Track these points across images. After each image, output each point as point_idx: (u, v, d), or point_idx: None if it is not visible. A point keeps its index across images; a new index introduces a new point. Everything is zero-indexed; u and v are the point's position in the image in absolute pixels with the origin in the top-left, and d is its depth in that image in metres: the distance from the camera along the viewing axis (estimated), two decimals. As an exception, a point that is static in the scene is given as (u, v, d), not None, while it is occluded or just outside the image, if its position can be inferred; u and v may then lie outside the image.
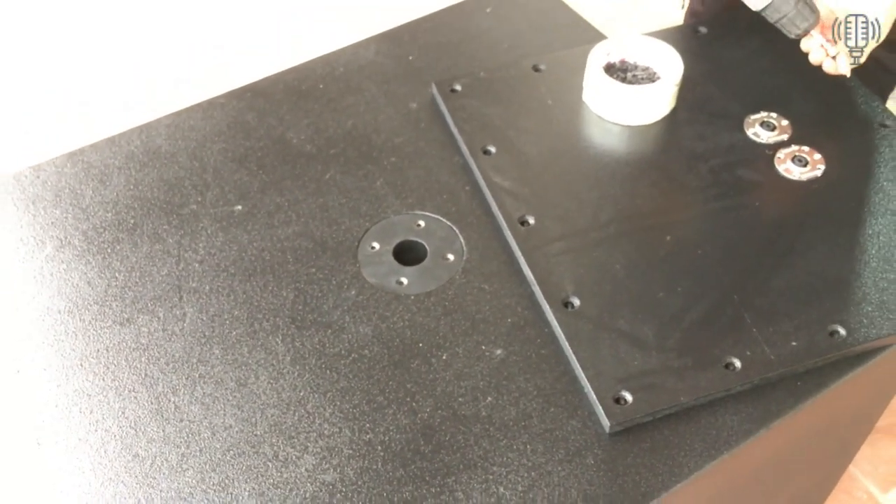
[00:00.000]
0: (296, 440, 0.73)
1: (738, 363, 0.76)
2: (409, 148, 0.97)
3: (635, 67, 1.01)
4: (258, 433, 0.74)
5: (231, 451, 0.72)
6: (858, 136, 0.95)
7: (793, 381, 0.76)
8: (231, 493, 0.70)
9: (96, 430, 0.74)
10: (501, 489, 0.70)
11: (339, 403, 0.75)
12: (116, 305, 0.83)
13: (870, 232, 0.85)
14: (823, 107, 0.98)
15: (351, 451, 0.72)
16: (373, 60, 1.08)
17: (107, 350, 0.79)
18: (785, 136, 0.94)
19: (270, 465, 0.72)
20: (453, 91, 1.01)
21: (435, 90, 1.02)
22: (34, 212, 0.91)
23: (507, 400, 0.76)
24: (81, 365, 0.78)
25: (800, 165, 0.91)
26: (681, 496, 0.72)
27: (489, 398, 0.76)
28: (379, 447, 0.73)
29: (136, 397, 0.76)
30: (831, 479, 1.08)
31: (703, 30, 1.08)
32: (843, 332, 0.78)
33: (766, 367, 0.76)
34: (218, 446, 0.73)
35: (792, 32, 0.92)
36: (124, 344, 0.80)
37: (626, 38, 1.01)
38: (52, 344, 0.80)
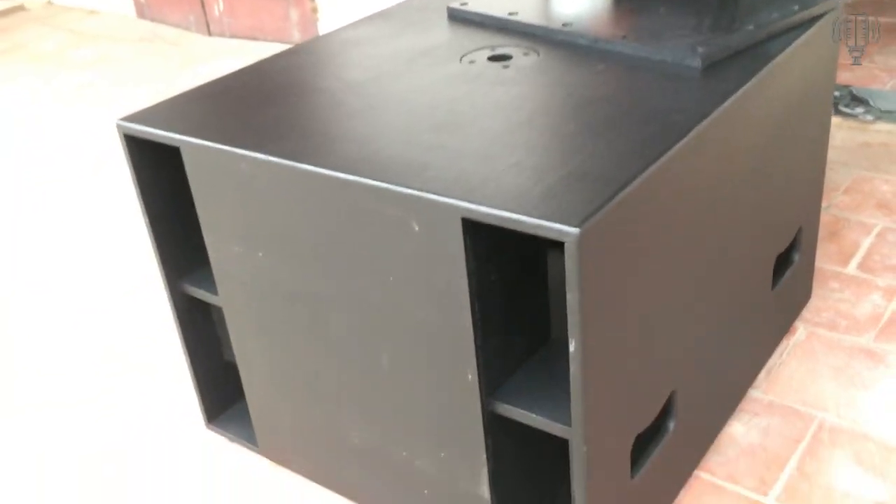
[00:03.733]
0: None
1: (751, 27, 1.14)
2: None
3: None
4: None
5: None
6: None
7: (782, 36, 1.16)
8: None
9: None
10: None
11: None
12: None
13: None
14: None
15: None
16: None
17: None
18: None
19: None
20: None
21: None
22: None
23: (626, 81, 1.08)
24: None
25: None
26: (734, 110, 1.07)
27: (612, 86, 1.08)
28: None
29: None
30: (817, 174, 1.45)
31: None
32: (797, 7, 1.20)
33: (768, 25, 1.15)
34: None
35: None
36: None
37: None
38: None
